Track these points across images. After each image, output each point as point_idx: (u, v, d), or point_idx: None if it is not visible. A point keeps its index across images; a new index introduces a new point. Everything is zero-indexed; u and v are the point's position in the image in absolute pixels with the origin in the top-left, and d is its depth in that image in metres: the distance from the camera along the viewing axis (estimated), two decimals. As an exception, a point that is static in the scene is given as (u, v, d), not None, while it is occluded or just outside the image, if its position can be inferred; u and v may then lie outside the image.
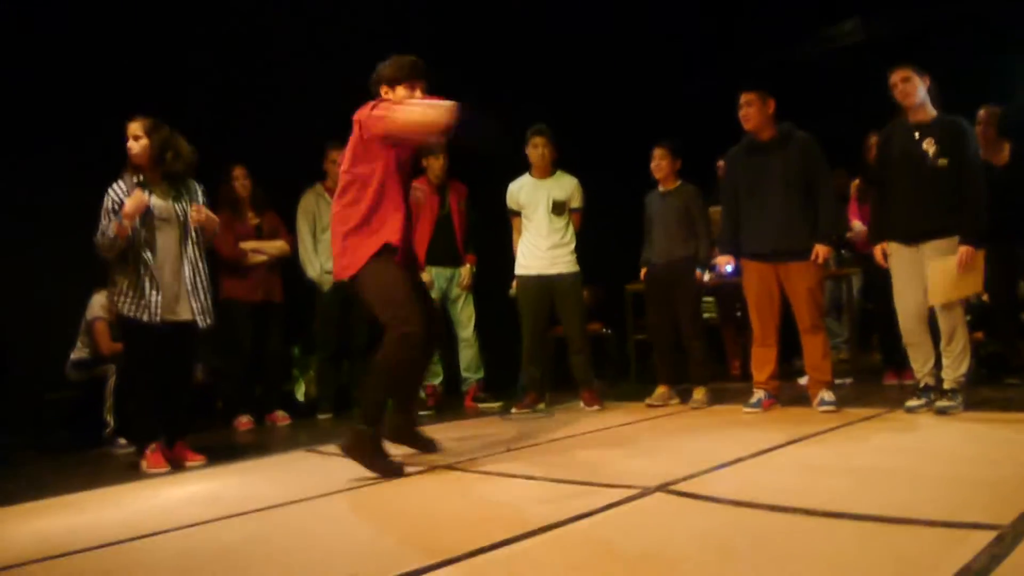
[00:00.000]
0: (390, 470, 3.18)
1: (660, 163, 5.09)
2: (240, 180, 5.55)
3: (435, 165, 5.68)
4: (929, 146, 3.89)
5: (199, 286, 4.00)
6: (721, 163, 6.27)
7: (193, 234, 4.01)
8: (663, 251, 5.07)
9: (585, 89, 7.76)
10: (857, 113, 5.20)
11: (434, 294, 5.52)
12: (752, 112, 4.38)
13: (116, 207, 3.80)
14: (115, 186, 3.88)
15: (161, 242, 3.89)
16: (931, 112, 3.96)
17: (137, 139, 3.90)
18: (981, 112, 4.85)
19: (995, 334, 5.23)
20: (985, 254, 3.86)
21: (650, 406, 4.93)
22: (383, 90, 3.51)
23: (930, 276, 3.86)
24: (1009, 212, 4.46)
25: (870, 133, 5.06)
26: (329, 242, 5.71)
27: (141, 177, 3.90)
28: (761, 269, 4.43)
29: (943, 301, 3.84)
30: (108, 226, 3.75)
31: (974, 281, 3.85)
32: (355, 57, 5.80)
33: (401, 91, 3.46)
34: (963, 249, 3.78)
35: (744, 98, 4.41)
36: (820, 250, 4.26)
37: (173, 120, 4.00)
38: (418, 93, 3.46)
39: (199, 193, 4.11)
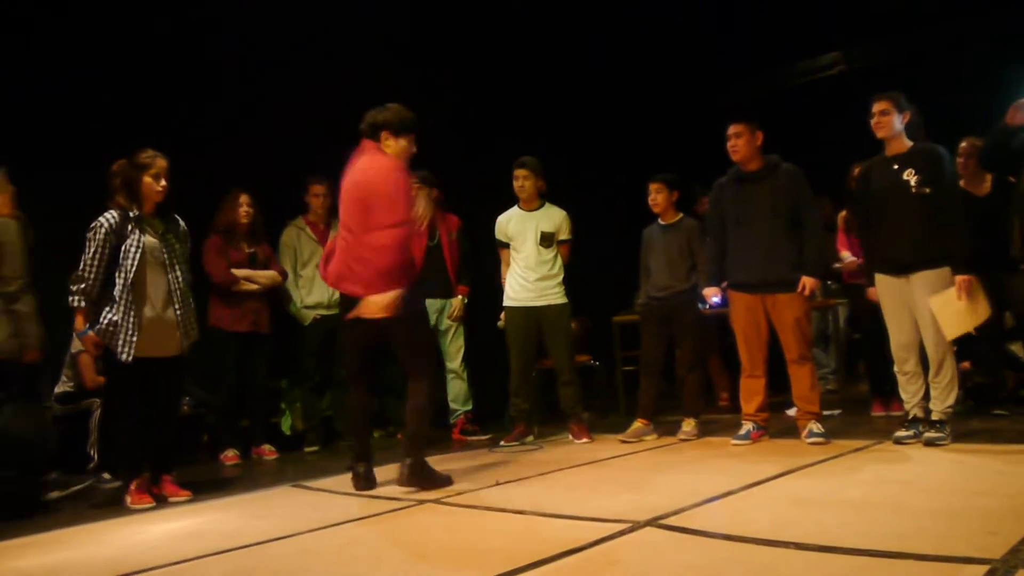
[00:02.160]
0: (444, 482, 3.58)
1: (656, 197, 5.03)
2: (244, 207, 5.42)
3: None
4: (910, 176, 3.94)
5: (188, 316, 3.99)
6: (705, 199, 6.33)
7: (179, 267, 3.99)
8: (664, 284, 4.97)
9: (573, 121, 7.82)
10: (842, 142, 5.24)
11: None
12: (740, 143, 4.39)
13: (108, 236, 3.75)
14: (108, 217, 3.81)
15: (151, 278, 3.85)
16: (907, 143, 4.01)
17: (161, 178, 3.90)
18: (963, 144, 4.90)
19: (981, 365, 5.24)
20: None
21: (623, 442, 4.80)
22: (384, 135, 3.56)
23: (938, 314, 3.83)
24: (992, 242, 4.50)
25: (854, 164, 5.11)
26: (310, 276, 5.77)
27: (136, 211, 3.87)
28: (748, 300, 4.44)
29: (961, 332, 3.84)
30: (87, 292, 3.76)
31: (985, 307, 3.86)
32: (338, 91, 5.83)
33: (404, 142, 3.60)
34: (960, 279, 3.79)
35: (732, 129, 4.41)
36: (807, 282, 4.26)
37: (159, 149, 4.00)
38: (412, 147, 3.66)
39: (180, 224, 4.11)
